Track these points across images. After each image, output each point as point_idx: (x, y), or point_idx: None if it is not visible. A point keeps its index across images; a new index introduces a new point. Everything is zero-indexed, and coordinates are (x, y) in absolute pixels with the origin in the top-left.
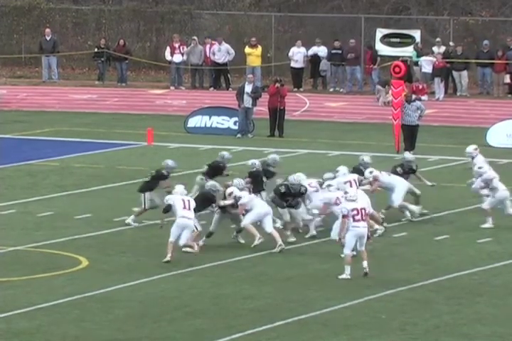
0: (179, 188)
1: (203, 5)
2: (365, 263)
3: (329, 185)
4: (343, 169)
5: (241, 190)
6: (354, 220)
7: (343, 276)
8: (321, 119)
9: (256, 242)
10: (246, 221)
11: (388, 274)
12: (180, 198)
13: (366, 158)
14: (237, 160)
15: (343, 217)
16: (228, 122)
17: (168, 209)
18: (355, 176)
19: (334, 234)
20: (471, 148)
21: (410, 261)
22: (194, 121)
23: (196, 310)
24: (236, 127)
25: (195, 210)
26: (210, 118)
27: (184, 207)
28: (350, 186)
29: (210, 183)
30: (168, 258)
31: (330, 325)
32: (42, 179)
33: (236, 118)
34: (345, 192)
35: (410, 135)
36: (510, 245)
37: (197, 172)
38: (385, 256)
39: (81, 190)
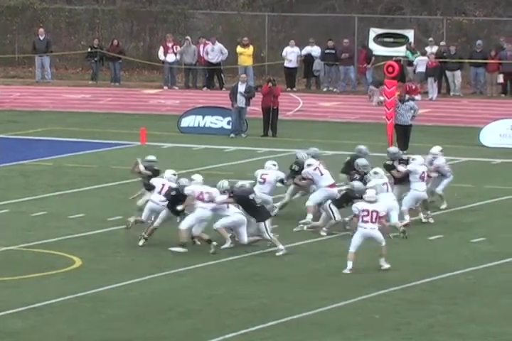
0: (167, 173)
1: (196, 5)
2: (382, 261)
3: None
4: (381, 171)
5: (221, 192)
6: (362, 221)
7: (345, 271)
8: (314, 119)
9: (226, 246)
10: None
11: (382, 274)
12: (161, 182)
13: (300, 154)
14: (230, 160)
15: (354, 216)
16: (222, 122)
17: (150, 188)
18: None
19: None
20: (436, 149)
21: (404, 260)
22: (187, 121)
23: (189, 310)
24: (229, 127)
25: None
26: (203, 118)
27: (159, 192)
28: (387, 190)
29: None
30: (142, 241)
31: (324, 324)
32: (35, 179)
33: (229, 118)
34: (365, 193)
35: (403, 135)
36: (503, 245)
37: (191, 172)
38: (378, 255)
39: (74, 189)
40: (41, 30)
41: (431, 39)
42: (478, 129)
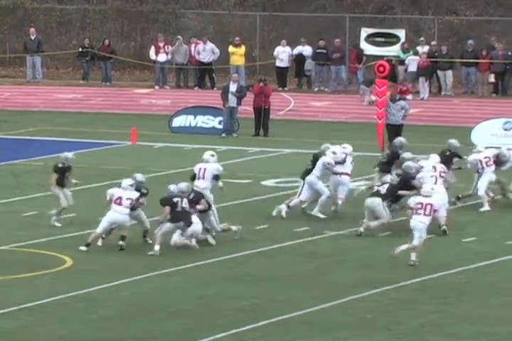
0: (206, 154)
1: (187, 4)
2: (412, 256)
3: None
4: (428, 165)
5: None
6: (416, 213)
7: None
8: (305, 119)
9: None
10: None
11: (373, 274)
12: (199, 167)
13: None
14: (221, 159)
15: (409, 207)
16: (213, 121)
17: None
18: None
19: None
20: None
21: (395, 260)
22: (179, 121)
23: (180, 310)
24: (221, 126)
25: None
26: (194, 117)
27: (199, 178)
28: (435, 183)
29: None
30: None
31: (314, 324)
32: (26, 179)
33: (221, 118)
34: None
35: (395, 134)
36: (494, 245)
37: (182, 171)
38: (369, 255)
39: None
40: (32, 29)
41: (422, 39)
42: (470, 129)
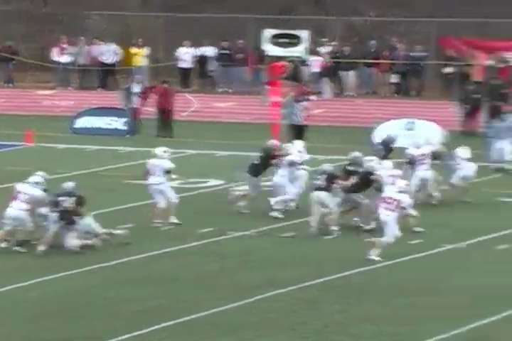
0: (157, 150)
1: (91, 6)
2: (371, 251)
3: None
4: (388, 163)
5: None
6: (382, 207)
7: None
8: (209, 120)
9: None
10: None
11: (278, 274)
12: (151, 163)
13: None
14: (125, 160)
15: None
16: (116, 122)
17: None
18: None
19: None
20: None
21: (299, 260)
22: (81, 122)
23: (83, 312)
24: (124, 127)
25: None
26: (97, 118)
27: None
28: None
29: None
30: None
31: (219, 325)
32: None
33: (124, 119)
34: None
35: (298, 135)
36: (396, 245)
37: (83, 173)
38: (274, 255)
39: None
40: None
41: (325, 39)
42: (372, 129)
